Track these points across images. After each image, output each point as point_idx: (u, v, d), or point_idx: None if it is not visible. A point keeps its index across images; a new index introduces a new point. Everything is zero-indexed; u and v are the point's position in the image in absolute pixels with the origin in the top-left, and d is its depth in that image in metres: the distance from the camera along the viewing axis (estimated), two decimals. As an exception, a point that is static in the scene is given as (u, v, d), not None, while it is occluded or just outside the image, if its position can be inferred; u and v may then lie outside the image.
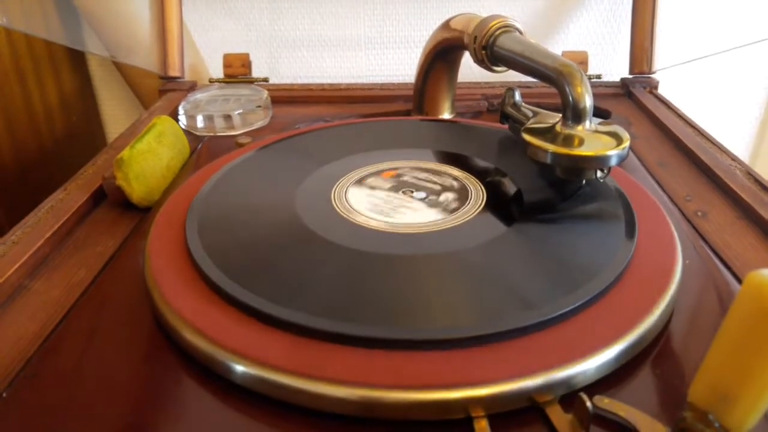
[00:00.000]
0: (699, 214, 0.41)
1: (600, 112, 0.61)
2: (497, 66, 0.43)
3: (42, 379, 0.27)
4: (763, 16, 0.72)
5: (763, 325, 0.18)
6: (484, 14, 0.44)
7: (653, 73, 0.66)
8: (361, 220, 0.35)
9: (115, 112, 0.83)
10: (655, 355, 0.28)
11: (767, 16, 0.72)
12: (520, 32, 0.42)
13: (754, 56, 0.78)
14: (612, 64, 0.70)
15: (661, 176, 0.46)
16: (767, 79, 0.79)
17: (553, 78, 0.36)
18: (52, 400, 0.26)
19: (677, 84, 0.73)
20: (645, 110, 0.60)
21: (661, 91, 0.64)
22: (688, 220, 0.40)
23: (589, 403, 0.23)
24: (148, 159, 0.43)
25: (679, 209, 0.41)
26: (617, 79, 0.67)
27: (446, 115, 0.57)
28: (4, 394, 0.26)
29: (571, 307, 0.27)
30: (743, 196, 0.41)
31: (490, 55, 0.42)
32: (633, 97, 0.63)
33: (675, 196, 0.43)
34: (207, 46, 0.76)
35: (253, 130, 0.55)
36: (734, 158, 0.47)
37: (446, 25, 0.49)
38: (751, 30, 0.71)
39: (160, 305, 0.29)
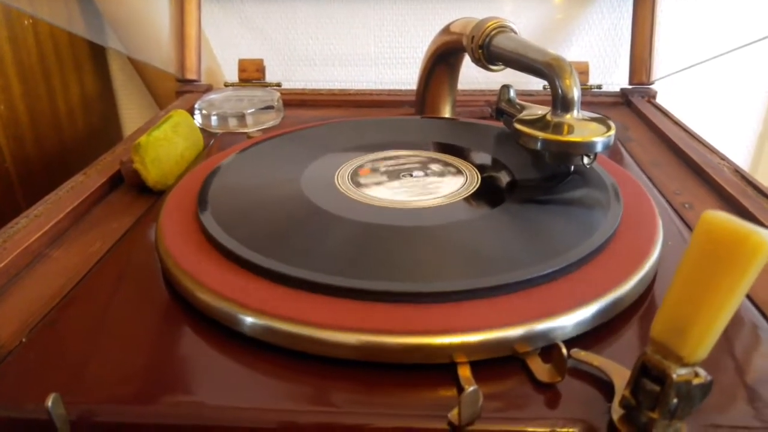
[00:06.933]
0: (686, 206, 0.42)
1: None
2: (494, 65, 0.46)
3: (60, 327, 0.29)
4: (754, 22, 0.74)
5: (710, 259, 0.19)
6: None
7: (652, 83, 0.68)
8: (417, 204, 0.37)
9: (133, 115, 0.87)
10: (636, 319, 0.30)
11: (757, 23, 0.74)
12: (515, 32, 0.44)
13: (751, 70, 0.80)
14: (613, 76, 0.72)
15: (654, 174, 0.48)
16: (765, 94, 0.81)
17: (544, 71, 0.39)
18: (70, 344, 0.28)
19: (678, 100, 0.75)
20: (642, 117, 0.62)
21: (662, 105, 0.66)
22: (676, 211, 0.42)
23: (564, 350, 0.25)
24: (163, 146, 0.45)
25: (668, 201, 0.43)
26: (617, 89, 0.70)
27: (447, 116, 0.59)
28: (24, 339, 0.29)
29: (552, 270, 0.29)
30: (728, 188, 0.42)
31: (487, 54, 0.45)
32: (632, 105, 0.66)
33: (665, 191, 0.45)
34: (222, 56, 0.80)
35: (264, 129, 0.58)
36: (723, 158, 0.49)
37: (446, 29, 0.51)
38: (745, 35, 0.74)
39: (169, 264, 0.31)
